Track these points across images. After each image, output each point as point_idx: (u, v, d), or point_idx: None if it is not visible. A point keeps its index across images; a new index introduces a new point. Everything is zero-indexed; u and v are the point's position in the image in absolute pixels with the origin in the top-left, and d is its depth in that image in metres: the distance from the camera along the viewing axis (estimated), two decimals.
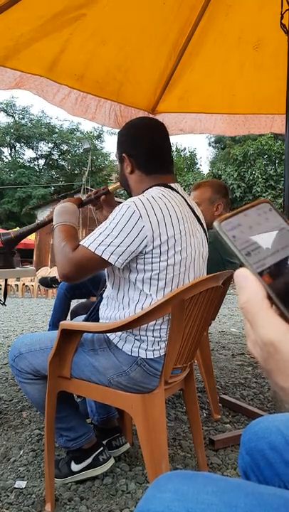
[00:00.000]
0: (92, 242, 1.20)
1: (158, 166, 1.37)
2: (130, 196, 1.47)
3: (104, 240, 1.19)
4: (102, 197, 1.61)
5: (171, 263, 1.23)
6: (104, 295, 1.40)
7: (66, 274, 1.25)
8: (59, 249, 1.28)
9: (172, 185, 1.35)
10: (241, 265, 0.36)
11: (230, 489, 0.54)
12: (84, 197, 1.60)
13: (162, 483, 0.57)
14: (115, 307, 1.32)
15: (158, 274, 1.23)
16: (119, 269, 1.26)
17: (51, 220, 1.51)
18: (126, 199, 1.27)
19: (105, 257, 1.19)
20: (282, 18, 2.07)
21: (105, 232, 1.20)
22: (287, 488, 0.67)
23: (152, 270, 1.22)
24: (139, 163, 1.36)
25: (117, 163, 1.47)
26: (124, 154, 1.37)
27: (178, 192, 1.34)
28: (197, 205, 2.22)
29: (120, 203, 1.27)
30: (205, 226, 1.43)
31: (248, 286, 0.35)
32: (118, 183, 1.56)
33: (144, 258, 1.21)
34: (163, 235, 1.20)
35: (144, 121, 1.45)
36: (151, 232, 1.19)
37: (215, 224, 0.37)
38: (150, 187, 1.33)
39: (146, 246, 1.19)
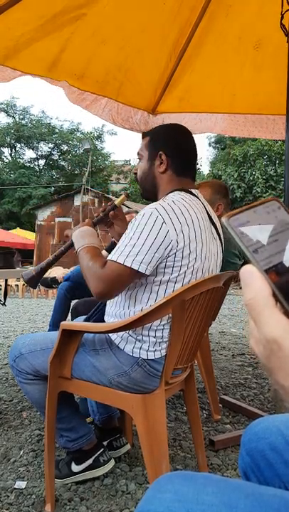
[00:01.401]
0: (120, 255, 1.19)
1: (189, 170, 1.42)
2: (145, 197, 1.49)
3: (131, 250, 1.18)
4: (111, 213, 1.59)
5: (191, 266, 1.23)
6: None
7: (100, 292, 1.22)
8: (87, 270, 1.27)
9: (193, 191, 1.36)
10: (248, 262, 0.36)
11: (230, 490, 0.54)
12: (93, 218, 1.60)
13: (162, 484, 0.56)
14: (121, 305, 1.31)
15: (176, 277, 1.23)
16: None
17: (68, 249, 1.53)
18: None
19: (135, 267, 1.17)
20: (282, 18, 2.07)
21: (131, 242, 1.19)
22: (287, 488, 0.67)
23: (172, 273, 1.22)
24: (174, 163, 1.39)
25: (140, 161, 1.46)
26: (161, 152, 1.38)
27: (198, 198, 1.35)
28: None
29: (131, 212, 1.27)
30: (221, 233, 1.44)
31: (253, 283, 0.35)
32: (123, 196, 1.58)
33: (167, 261, 1.21)
34: (186, 239, 1.21)
35: (182, 128, 1.47)
36: (176, 236, 1.19)
37: (223, 219, 0.37)
38: (172, 191, 1.33)
39: (170, 250, 1.20)
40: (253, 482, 0.71)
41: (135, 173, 1.52)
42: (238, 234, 0.36)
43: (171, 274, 1.22)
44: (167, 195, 1.32)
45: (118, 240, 1.31)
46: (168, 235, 1.18)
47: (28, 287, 11.74)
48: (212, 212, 1.41)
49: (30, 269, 1.61)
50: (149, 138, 1.45)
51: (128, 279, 1.21)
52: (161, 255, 1.19)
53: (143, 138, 1.49)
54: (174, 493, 0.54)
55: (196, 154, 1.45)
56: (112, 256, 1.21)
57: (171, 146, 1.39)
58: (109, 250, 2.47)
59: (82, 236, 1.41)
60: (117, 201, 1.63)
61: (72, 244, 1.48)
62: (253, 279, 0.35)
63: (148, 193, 1.46)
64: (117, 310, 1.33)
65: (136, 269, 1.17)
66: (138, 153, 1.48)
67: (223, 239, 1.45)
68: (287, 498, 0.52)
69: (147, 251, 1.17)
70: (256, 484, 0.56)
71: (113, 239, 1.76)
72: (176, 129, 1.46)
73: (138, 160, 1.50)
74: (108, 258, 1.23)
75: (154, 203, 1.25)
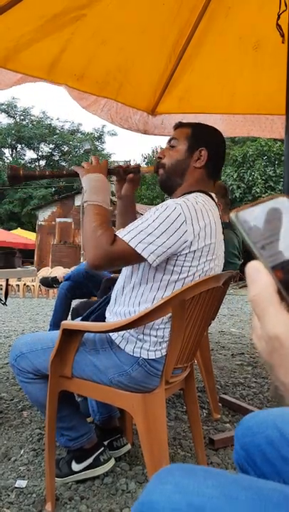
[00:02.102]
0: (134, 237, 1.17)
1: (218, 175, 1.45)
2: (164, 185, 1.45)
3: (145, 237, 1.17)
4: (130, 175, 1.51)
5: (200, 269, 1.25)
6: (117, 290, 1.39)
7: (98, 264, 1.21)
8: (93, 235, 1.23)
9: (213, 195, 1.39)
10: (247, 262, 0.36)
11: (230, 483, 0.55)
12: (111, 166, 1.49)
13: (163, 476, 0.57)
14: (127, 304, 1.31)
15: (185, 278, 1.24)
16: (149, 267, 1.25)
17: (65, 176, 1.50)
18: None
19: (145, 255, 1.17)
20: (278, 18, 2.07)
21: (148, 229, 1.18)
22: (287, 484, 0.67)
23: (181, 273, 1.23)
24: (210, 164, 1.40)
25: (174, 147, 1.41)
26: (203, 149, 1.37)
27: (215, 202, 1.37)
28: None
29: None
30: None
31: (259, 280, 0.35)
32: (152, 168, 1.47)
33: (177, 260, 1.22)
34: (201, 242, 1.22)
35: (221, 134, 1.48)
36: (192, 237, 1.20)
37: (232, 215, 0.37)
38: (195, 191, 1.34)
39: (184, 249, 1.20)
40: (251, 475, 0.71)
41: (160, 158, 1.44)
42: (246, 229, 0.36)
43: (180, 274, 1.24)
44: (189, 193, 1.32)
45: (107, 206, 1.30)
46: (185, 234, 1.19)
47: (29, 287, 11.77)
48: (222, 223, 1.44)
49: (19, 167, 1.45)
50: (191, 131, 1.42)
51: (131, 261, 1.23)
52: (174, 251, 1.20)
53: (179, 128, 1.46)
54: (175, 485, 0.55)
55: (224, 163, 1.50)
56: (125, 236, 1.19)
57: (213, 147, 1.40)
58: None
59: (97, 187, 1.34)
60: (143, 168, 1.54)
61: (71, 175, 1.44)
62: (259, 276, 0.35)
63: (171, 181, 1.41)
64: (122, 308, 1.32)
65: (145, 257, 1.17)
66: (171, 140, 1.43)
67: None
68: (286, 492, 0.53)
69: (161, 244, 1.17)
70: (255, 478, 0.57)
71: None
72: (219, 134, 1.48)
73: (170, 147, 1.43)
74: (119, 235, 1.20)
75: (178, 200, 1.24)
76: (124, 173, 1.50)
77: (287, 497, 0.52)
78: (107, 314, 1.40)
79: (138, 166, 1.51)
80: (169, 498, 0.53)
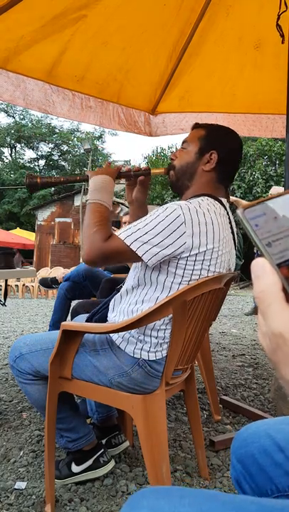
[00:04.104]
0: (130, 235, 1.17)
1: (229, 180, 1.41)
2: (174, 187, 1.44)
3: (142, 236, 1.16)
4: (141, 177, 1.49)
5: (204, 274, 1.23)
6: (122, 289, 1.39)
7: (92, 260, 1.22)
8: (89, 232, 1.24)
9: (224, 201, 1.35)
10: (261, 255, 0.36)
11: (207, 500, 0.53)
12: (123, 169, 1.50)
13: (136, 501, 0.55)
14: (131, 302, 1.31)
15: (188, 281, 1.23)
16: (152, 268, 1.24)
17: (79, 181, 1.51)
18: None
19: (139, 253, 1.16)
20: (278, 19, 2.07)
21: (145, 228, 1.17)
22: (279, 490, 0.67)
23: (183, 276, 1.22)
24: (220, 168, 1.36)
25: (185, 149, 1.40)
26: (214, 152, 1.35)
27: (225, 207, 1.34)
28: None
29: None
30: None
31: (264, 277, 0.35)
32: (162, 170, 1.46)
33: (178, 263, 1.21)
34: (202, 246, 1.19)
35: (238, 136, 1.44)
36: (191, 240, 1.17)
37: (238, 211, 0.36)
38: (203, 194, 1.32)
39: (182, 252, 1.18)
40: (246, 490, 0.72)
41: (172, 159, 1.44)
42: (252, 226, 0.35)
43: (183, 277, 1.22)
44: (196, 197, 1.30)
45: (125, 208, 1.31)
46: (183, 235, 1.16)
47: (28, 288, 11.76)
48: (233, 223, 1.40)
49: (36, 175, 1.51)
50: (206, 132, 1.40)
51: (126, 259, 1.24)
52: (171, 253, 1.17)
53: (194, 128, 1.43)
54: (150, 509, 0.52)
55: (238, 166, 1.43)
56: (121, 234, 1.19)
57: (225, 151, 1.36)
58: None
59: (100, 187, 1.36)
60: (154, 169, 1.52)
61: (84, 180, 1.46)
62: (265, 273, 0.35)
63: (180, 183, 1.40)
64: (126, 307, 1.31)
65: (139, 255, 1.16)
66: (185, 142, 1.42)
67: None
68: (264, 504, 0.53)
69: (157, 243, 1.16)
70: (233, 494, 0.56)
71: None
72: (235, 137, 1.42)
73: (182, 148, 1.42)
74: (117, 234, 1.21)
75: (181, 201, 1.23)
76: (134, 176, 1.49)
77: (264, 508, 0.51)
78: (110, 313, 1.39)
79: (148, 168, 1.50)
80: None
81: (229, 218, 1.35)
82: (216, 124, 1.47)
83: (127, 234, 1.18)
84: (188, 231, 1.17)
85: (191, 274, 1.22)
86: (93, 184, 1.38)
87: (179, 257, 1.19)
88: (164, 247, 1.16)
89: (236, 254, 2.19)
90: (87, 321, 1.49)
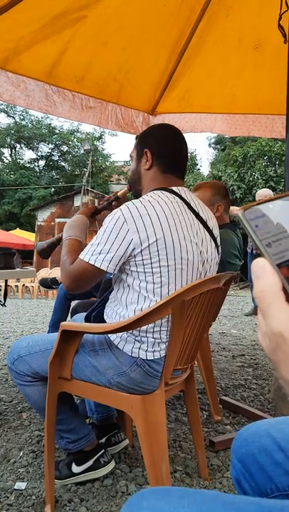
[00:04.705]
0: (86, 253, 1.26)
1: (174, 167, 1.42)
2: (136, 197, 1.48)
3: (95, 249, 1.24)
4: (114, 203, 1.65)
5: (164, 264, 1.22)
6: (110, 295, 1.42)
7: (67, 287, 1.33)
8: (62, 262, 1.36)
9: (175, 188, 1.35)
10: (260, 255, 0.36)
11: (207, 500, 0.53)
12: (97, 205, 1.68)
13: (135, 501, 0.55)
14: (115, 308, 1.33)
15: (152, 275, 1.23)
16: (120, 274, 1.29)
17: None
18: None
19: (98, 265, 1.23)
20: (280, 19, 2.07)
21: (96, 241, 1.25)
22: (279, 489, 0.68)
23: (145, 272, 1.23)
24: (159, 160, 1.40)
25: (131, 161, 1.50)
26: (146, 150, 1.41)
27: (180, 196, 1.33)
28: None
29: None
30: (215, 231, 1.42)
31: (264, 277, 0.35)
32: (126, 189, 1.60)
33: (135, 261, 1.23)
34: (151, 237, 1.20)
35: (170, 127, 1.50)
36: (137, 234, 1.20)
37: (239, 212, 0.37)
38: (154, 190, 1.34)
39: (134, 249, 1.21)
40: (246, 490, 0.72)
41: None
42: (252, 226, 0.36)
43: (145, 272, 1.23)
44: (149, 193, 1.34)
45: None
46: (128, 233, 1.20)
47: (28, 288, 11.76)
48: (202, 210, 1.39)
49: (43, 243, 1.74)
50: (138, 138, 1.49)
51: (92, 276, 1.28)
52: (123, 253, 1.22)
53: (135, 141, 1.53)
54: (150, 509, 0.52)
55: (185, 153, 1.45)
56: (81, 254, 1.29)
57: (156, 144, 1.41)
58: None
59: (70, 226, 1.50)
60: (120, 192, 1.66)
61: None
62: (265, 273, 0.35)
63: (136, 191, 1.48)
64: (111, 312, 1.35)
65: (98, 266, 1.23)
66: (130, 156, 1.52)
67: (217, 237, 1.43)
68: (263, 505, 0.53)
69: (109, 249, 1.22)
70: (233, 494, 0.56)
71: None
72: (164, 128, 1.50)
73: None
74: (79, 256, 1.30)
75: (123, 204, 1.28)
76: (109, 205, 1.66)
77: (264, 509, 0.51)
78: (105, 314, 1.40)
79: (116, 193, 1.68)
80: None
81: (189, 204, 1.34)
82: (149, 126, 1.56)
83: (84, 253, 1.27)
84: (132, 227, 1.20)
85: (151, 266, 1.22)
86: (67, 224, 1.53)
87: (133, 254, 1.22)
88: (115, 250, 1.22)
89: (236, 255, 2.19)
90: (85, 318, 1.49)
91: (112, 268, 1.23)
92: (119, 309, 1.31)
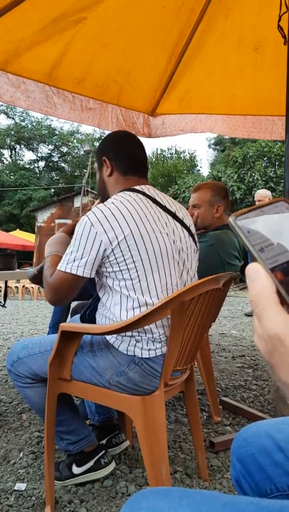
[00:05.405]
0: (62, 263, 1.29)
1: (134, 168, 1.46)
2: None
3: (69, 258, 1.27)
4: None
5: (137, 259, 1.25)
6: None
7: (50, 300, 1.34)
8: (44, 278, 1.38)
9: (138, 187, 1.39)
10: (248, 263, 0.37)
11: (206, 501, 0.53)
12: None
13: (135, 502, 0.55)
14: (103, 312, 1.35)
15: (128, 272, 1.25)
16: (101, 277, 1.32)
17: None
18: None
19: (74, 272, 1.26)
20: (279, 20, 2.07)
21: (69, 250, 1.29)
22: (278, 489, 0.68)
23: (121, 270, 1.25)
24: (117, 165, 1.45)
25: (97, 172, 1.54)
26: (105, 157, 1.46)
27: (144, 193, 1.36)
28: (197, 207, 2.22)
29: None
30: (186, 221, 1.43)
31: (258, 281, 0.36)
32: (98, 201, 1.62)
33: (110, 261, 1.25)
34: (119, 236, 1.23)
35: (124, 133, 1.56)
36: (106, 235, 1.23)
37: (231, 219, 0.37)
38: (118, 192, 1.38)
39: (105, 250, 1.24)
40: (246, 490, 0.72)
41: None
42: (244, 233, 0.36)
43: (121, 271, 1.25)
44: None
45: None
46: (97, 236, 1.23)
47: (28, 289, 11.76)
48: (171, 204, 1.42)
49: (32, 270, 1.77)
50: (96, 150, 1.53)
51: (72, 285, 1.29)
52: (96, 256, 1.24)
53: None
54: (150, 510, 0.53)
55: (143, 153, 1.49)
56: (58, 265, 1.31)
57: (113, 150, 1.46)
58: None
59: (50, 244, 1.54)
60: (93, 206, 1.66)
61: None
62: (259, 277, 0.36)
63: (105, 200, 1.48)
64: (99, 316, 1.38)
65: (74, 273, 1.25)
66: (93, 169, 1.55)
67: (190, 226, 1.45)
68: (263, 505, 0.53)
69: (82, 255, 1.25)
70: (232, 495, 0.56)
71: None
72: (117, 133, 1.56)
73: None
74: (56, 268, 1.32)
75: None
76: None
77: (263, 509, 0.52)
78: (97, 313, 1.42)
79: (95, 205, 1.72)
80: None
81: (154, 199, 1.37)
82: (104, 136, 1.59)
83: (61, 263, 1.30)
84: (99, 230, 1.23)
85: (125, 263, 1.24)
86: (48, 242, 1.56)
87: (106, 255, 1.25)
88: (88, 254, 1.24)
89: (236, 255, 2.19)
90: (81, 317, 1.51)
91: (87, 273, 1.26)
92: (107, 313, 1.33)
